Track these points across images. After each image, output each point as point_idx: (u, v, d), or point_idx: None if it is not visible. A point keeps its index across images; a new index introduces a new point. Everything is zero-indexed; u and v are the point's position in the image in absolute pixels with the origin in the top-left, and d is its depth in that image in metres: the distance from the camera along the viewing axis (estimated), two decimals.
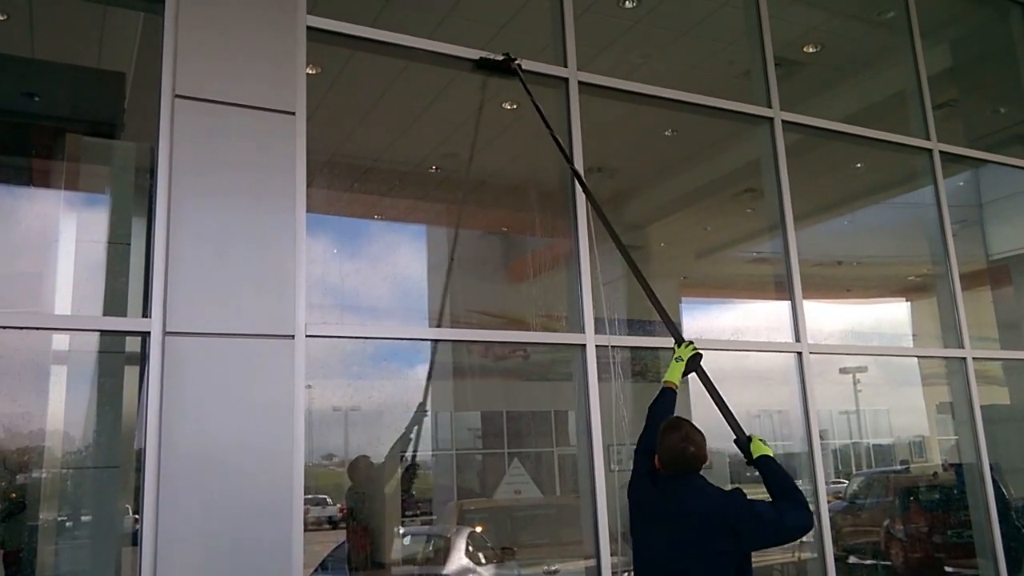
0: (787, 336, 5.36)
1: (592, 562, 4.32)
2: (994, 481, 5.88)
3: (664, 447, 2.92)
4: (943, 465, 7.54)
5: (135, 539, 3.33)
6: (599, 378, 4.49)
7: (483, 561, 6.54)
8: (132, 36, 4.30)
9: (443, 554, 6.60)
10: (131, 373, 3.82)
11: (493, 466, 7.92)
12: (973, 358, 6.05)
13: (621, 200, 8.12)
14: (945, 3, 7.37)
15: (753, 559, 2.92)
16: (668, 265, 9.35)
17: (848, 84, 6.80)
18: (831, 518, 5.18)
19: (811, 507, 3.16)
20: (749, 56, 5.90)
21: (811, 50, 6.48)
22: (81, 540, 4.02)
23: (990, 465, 5.88)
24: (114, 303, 4.14)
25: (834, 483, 9.69)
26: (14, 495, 4.20)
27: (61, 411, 4.11)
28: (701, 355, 3.52)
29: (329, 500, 5.48)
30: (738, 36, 6.10)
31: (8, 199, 4.62)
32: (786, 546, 7.86)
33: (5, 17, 4.28)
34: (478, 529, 6.89)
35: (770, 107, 5.60)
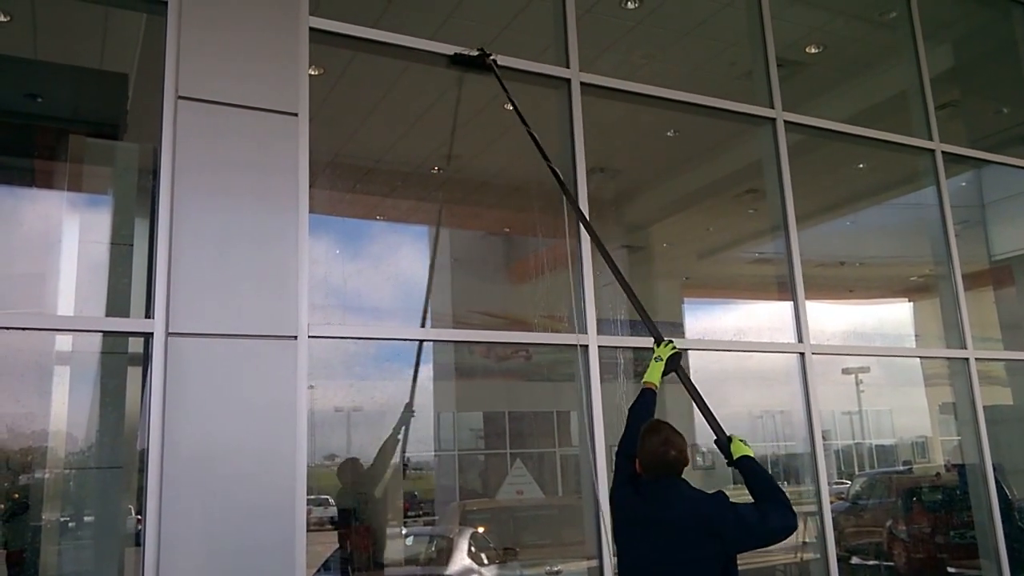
0: (790, 336, 5.35)
1: (594, 562, 4.32)
2: (997, 482, 5.87)
3: (644, 451, 2.87)
4: (946, 466, 7.54)
5: (138, 539, 3.33)
6: (602, 379, 4.48)
7: (485, 561, 6.54)
8: (135, 37, 4.31)
9: (446, 554, 6.61)
10: (134, 374, 3.83)
11: (495, 466, 7.92)
12: (976, 359, 6.04)
13: (623, 201, 8.12)
14: (947, 3, 7.36)
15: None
16: (670, 266, 9.35)
17: (850, 84, 6.80)
18: (834, 519, 5.16)
19: (798, 508, 3.13)
20: (751, 57, 5.90)
21: (813, 50, 6.48)
22: (84, 540, 4.02)
23: (993, 466, 5.87)
24: (117, 304, 4.14)
25: (837, 484, 9.70)
26: (17, 495, 4.20)
27: (64, 412, 4.12)
28: (681, 354, 3.46)
29: (331, 501, 5.48)
30: (740, 37, 6.10)
31: (11, 200, 4.63)
32: (788, 547, 7.86)
33: (8, 18, 4.28)
34: (480, 530, 6.89)
35: (772, 108, 5.60)
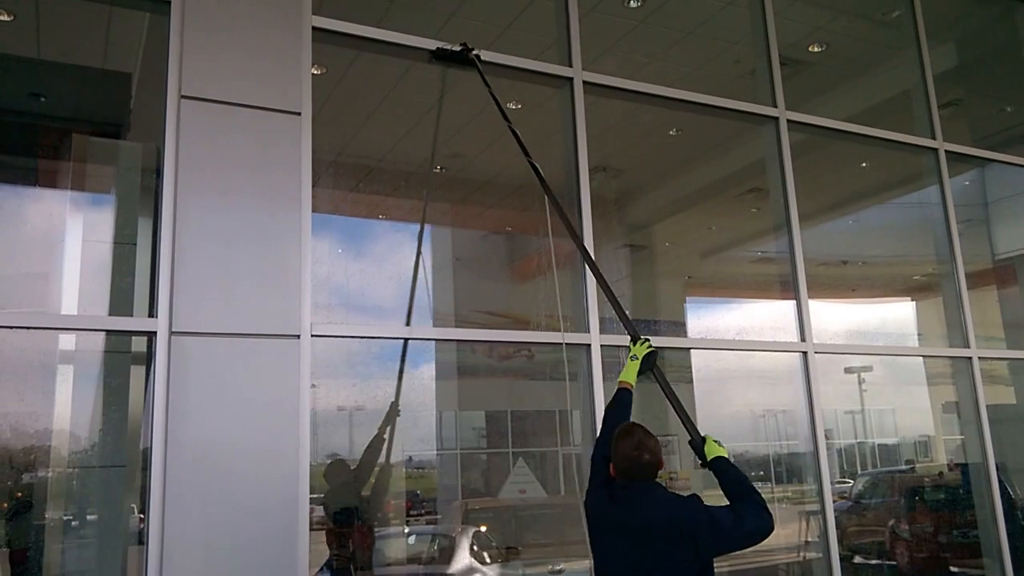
0: (792, 336, 5.35)
1: None
2: (1000, 481, 5.86)
3: (618, 455, 2.80)
4: (949, 465, 7.52)
5: (141, 538, 3.34)
6: (604, 377, 4.49)
7: (488, 560, 6.55)
8: (138, 37, 4.31)
9: (448, 553, 6.61)
10: (137, 373, 3.84)
11: (498, 465, 7.92)
12: (979, 358, 6.03)
13: (626, 200, 8.12)
14: (951, 2, 7.35)
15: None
16: (673, 265, 9.35)
17: (853, 83, 6.79)
18: (836, 518, 5.15)
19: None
20: (754, 55, 5.90)
21: (816, 49, 6.47)
22: (87, 539, 4.03)
23: (996, 465, 5.87)
24: (120, 303, 4.15)
25: (839, 483, 9.70)
26: (20, 494, 4.21)
27: (67, 410, 4.13)
28: (657, 353, 3.41)
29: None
30: (743, 35, 6.10)
31: (15, 199, 4.64)
32: (790, 546, 7.86)
33: (11, 18, 4.29)
34: (483, 528, 6.89)
35: (775, 106, 5.59)
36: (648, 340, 3.41)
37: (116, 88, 4.69)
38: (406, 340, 4.54)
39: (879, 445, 11.23)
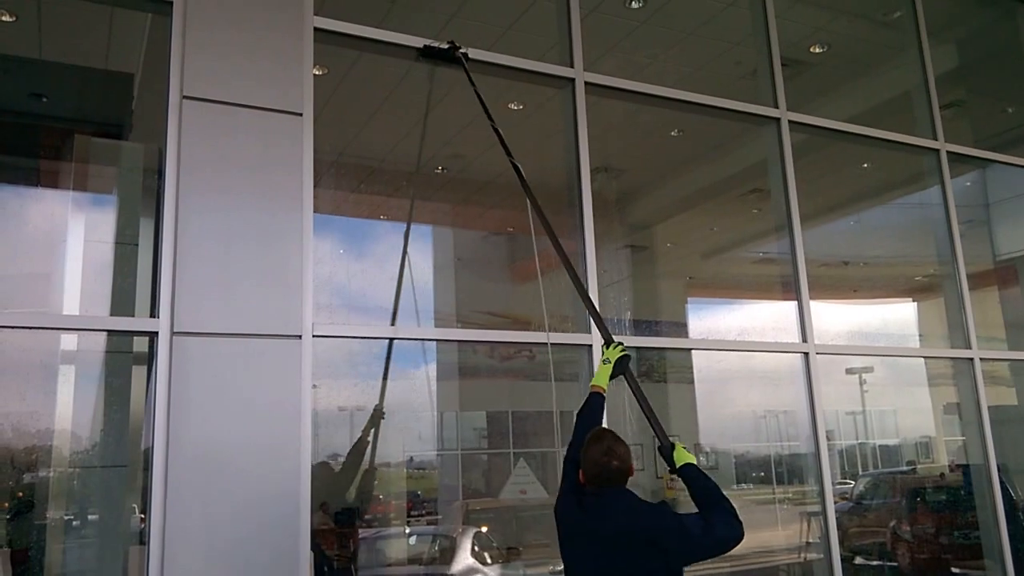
0: (793, 336, 5.35)
1: None
2: (1001, 482, 5.86)
3: (587, 461, 2.76)
4: (950, 466, 7.53)
5: (142, 538, 3.34)
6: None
7: (489, 561, 6.55)
8: (140, 37, 4.31)
9: (449, 554, 6.61)
10: (139, 373, 3.84)
11: (499, 466, 7.93)
12: (980, 359, 6.03)
13: (627, 200, 8.12)
14: (952, 3, 7.35)
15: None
16: (674, 265, 9.36)
17: (855, 84, 6.79)
18: (837, 519, 5.15)
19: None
20: (756, 56, 5.90)
21: (818, 50, 6.47)
22: (88, 539, 4.03)
23: (997, 466, 5.86)
24: (122, 303, 4.16)
25: (840, 484, 9.69)
26: (22, 494, 4.22)
27: (69, 410, 4.13)
28: (630, 356, 3.38)
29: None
30: (745, 36, 6.10)
31: (16, 200, 4.65)
32: (791, 547, 7.85)
33: (13, 18, 4.30)
34: (484, 529, 6.90)
35: (777, 107, 5.59)
36: (621, 344, 3.38)
37: (118, 89, 4.69)
38: (391, 341, 4.49)
39: (880, 446, 11.23)
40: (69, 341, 4.12)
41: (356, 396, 5.08)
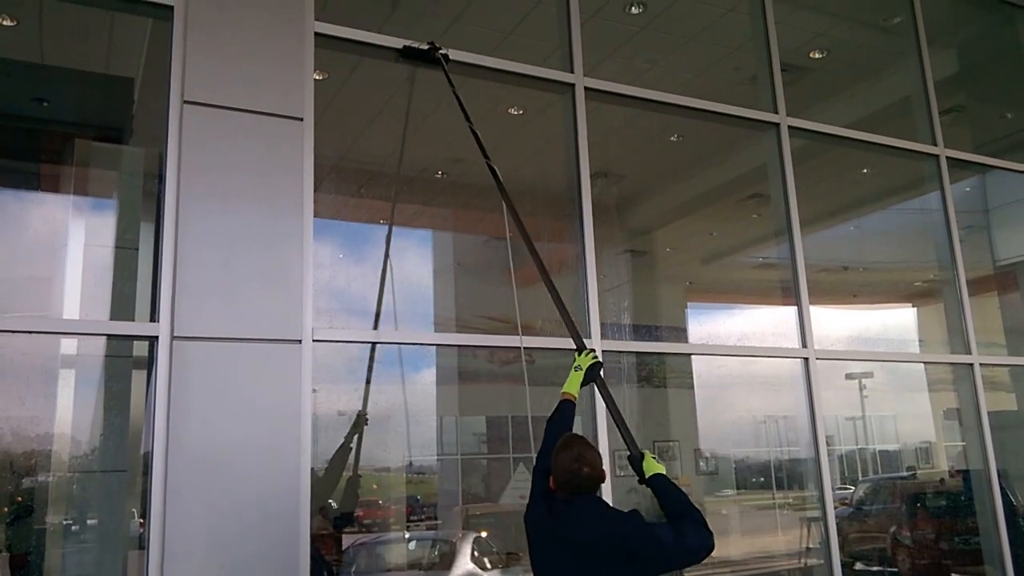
0: (793, 341, 5.35)
1: None
2: (1001, 487, 5.86)
3: (557, 468, 2.72)
4: (950, 471, 7.52)
5: (142, 543, 3.34)
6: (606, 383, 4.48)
7: (488, 566, 6.54)
8: (140, 42, 4.32)
9: (448, 559, 6.61)
10: (138, 377, 3.84)
11: (498, 471, 7.93)
12: (980, 364, 6.03)
13: (627, 205, 8.13)
14: (952, 8, 7.37)
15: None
16: (674, 270, 9.36)
17: (854, 89, 6.80)
18: (837, 524, 5.15)
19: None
20: (755, 61, 5.91)
21: (817, 56, 6.48)
22: (88, 544, 4.03)
23: (997, 471, 5.86)
24: (122, 307, 4.16)
25: (840, 489, 9.68)
26: (21, 499, 4.21)
27: (69, 415, 4.13)
28: (601, 364, 3.33)
29: (335, 504, 5.47)
30: (744, 42, 6.11)
31: (17, 204, 4.65)
32: (792, 552, 7.84)
33: (15, 23, 4.31)
34: (483, 534, 6.89)
35: (776, 112, 5.60)
36: (593, 351, 3.36)
37: (119, 93, 4.70)
38: (373, 345, 4.46)
39: (880, 451, 11.22)
40: (69, 345, 4.12)
41: (356, 400, 5.08)
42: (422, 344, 5.41)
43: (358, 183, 5.90)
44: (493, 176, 3.95)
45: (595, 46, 5.08)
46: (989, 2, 7.46)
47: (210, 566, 3.23)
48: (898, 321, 8.29)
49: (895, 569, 7.97)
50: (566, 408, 3.14)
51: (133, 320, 3.96)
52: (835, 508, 5.22)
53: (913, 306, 7.93)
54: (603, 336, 4.57)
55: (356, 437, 4.43)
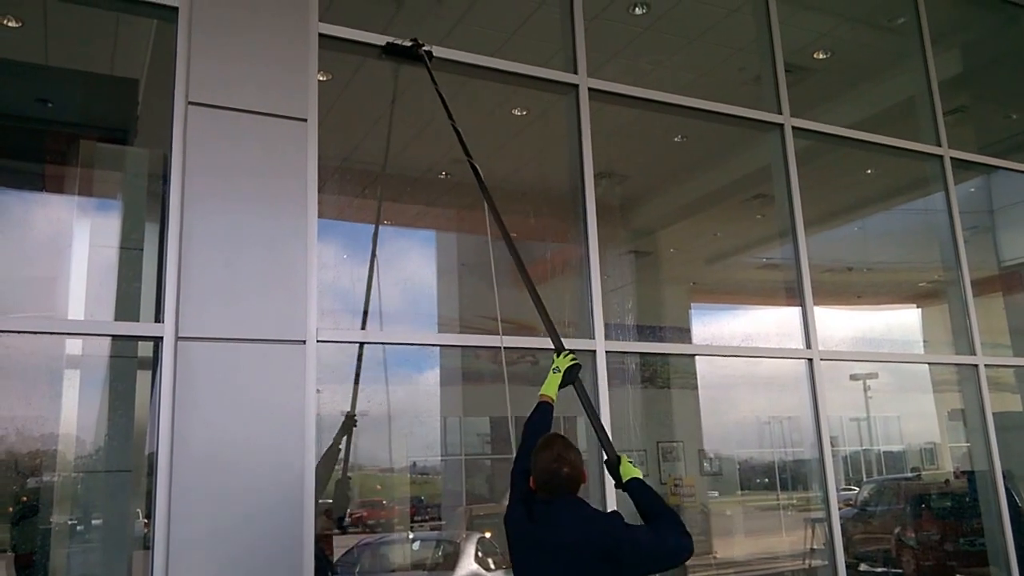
0: (797, 342, 5.34)
1: None
2: (1007, 488, 5.84)
3: (537, 468, 2.68)
4: (955, 472, 7.50)
5: (146, 543, 3.35)
6: (610, 384, 4.49)
7: (492, 567, 6.54)
8: (145, 43, 4.33)
9: (452, 559, 6.61)
10: (143, 378, 3.84)
11: (502, 471, 7.91)
12: (985, 365, 6.02)
13: (631, 206, 8.13)
14: (956, 9, 7.36)
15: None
16: (678, 271, 9.36)
17: (858, 90, 6.79)
18: (842, 525, 5.14)
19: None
20: (759, 62, 5.90)
21: (821, 56, 6.48)
22: (93, 544, 4.03)
23: (1002, 472, 5.85)
24: (126, 308, 4.17)
25: (844, 490, 9.67)
26: (26, 499, 4.22)
27: (74, 415, 4.14)
28: (580, 366, 3.30)
29: (350, 503, 5.48)
30: (748, 42, 6.10)
31: (22, 204, 4.67)
32: (796, 553, 7.82)
33: (20, 24, 4.32)
34: (487, 535, 6.89)
35: (780, 113, 5.60)
36: (572, 353, 3.32)
37: (123, 94, 4.71)
38: (361, 346, 4.44)
39: (885, 452, 11.21)
40: (74, 346, 4.13)
41: (360, 401, 5.09)
42: (407, 344, 5.37)
43: (362, 184, 5.91)
44: (475, 175, 3.95)
45: (599, 47, 5.08)
46: (993, 2, 7.45)
47: (215, 566, 3.24)
48: (902, 322, 8.27)
49: (899, 570, 7.95)
50: (545, 410, 3.10)
51: (138, 321, 3.97)
52: (839, 509, 5.22)
53: (917, 307, 7.91)
54: (607, 337, 4.57)
55: (345, 439, 4.41)
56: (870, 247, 7.88)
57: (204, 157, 3.57)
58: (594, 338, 4.53)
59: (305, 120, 3.83)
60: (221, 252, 3.51)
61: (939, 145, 6.33)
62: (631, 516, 2.75)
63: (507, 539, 2.80)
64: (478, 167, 3.93)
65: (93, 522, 4.13)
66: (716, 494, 9.44)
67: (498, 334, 4.12)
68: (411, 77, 4.34)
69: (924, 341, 7.75)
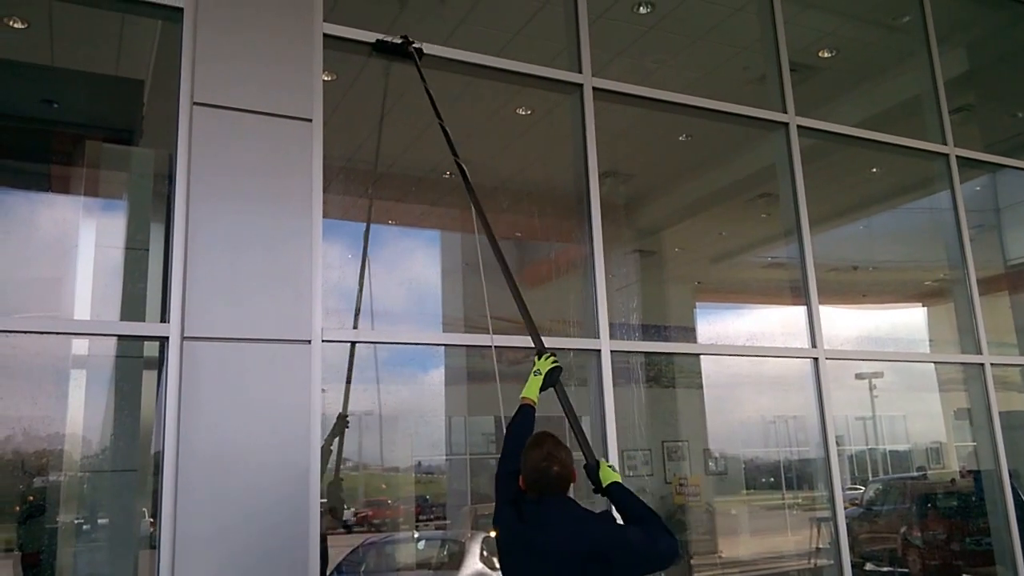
0: (803, 341, 5.33)
1: None
2: (1013, 488, 5.83)
3: (527, 467, 2.65)
4: (961, 471, 7.48)
5: (152, 542, 3.35)
6: (615, 383, 4.48)
7: (498, 566, 6.54)
8: (150, 44, 4.34)
9: (457, 559, 6.61)
10: (149, 377, 3.86)
11: None
12: (991, 364, 6.00)
13: (635, 205, 8.12)
14: (961, 7, 7.34)
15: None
16: (683, 270, 9.35)
17: (864, 89, 6.78)
18: (847, 525, 5.13)
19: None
20: (764, 61, 5.90)
21: (826, 55, 6.46)
22: (99, 543, 4.05)
23: (1009, 472, 5.83)
24: (132, 308, 4.18)
25: (850, 489, 9.65)
26: (33, 498, 4.24)
27: (80, 415, 4.15)
28: (561, 369, 3.26)
29: (344, 504, 5.49)
30: (753, 41, 6.09)
31: (28, 205, 4.68)
32: (801, 553, 7.81)
33: (26, 26, 4.33)
34: (492, 534, 6.88)
35: (785, 112, 5.59)
36: (553, 355, 3.29)
37: (129, 95, 4.72)
38: (352, 346, 4.43)
39: (890, 451, 11.17)
40: (80, 346, 4.14)
41: (365, 400, 5.09)
42: (406, 344, 5.38)
43: (366, 184, 5.91)
44: (461, 174, 3.96)
45: (603, 46, 5.07)
46: (998, 1, 7.43)
47: (220, 565, 3.25)
48: (908, 321, 8.25)
49: (906, 570, 7.93)
50: (527, 412, 3.07)
51: (144, 321, 3.98)
52: (845, 508, 5.21)
53: (923, 306, 7.89)
54: (612, 336, 4.57)
55: (337, 440, 4.41)
56: (876, 246, 7.86)
57: (209, 157, 3.58)
58: (599, 337, 4.53)
59: (310, 120, 3.84)
60: (226, 252, 3.52)
61: (945, 144, 6.31)
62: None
63: (496, 542, 2.78)
64: (465, 167, 3.93)
65: (99, 521, 4.14)
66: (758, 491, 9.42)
67: (502, 333, 4.11)
68: (414, 77, 4.33)
69: (930, 340, 7.73)
